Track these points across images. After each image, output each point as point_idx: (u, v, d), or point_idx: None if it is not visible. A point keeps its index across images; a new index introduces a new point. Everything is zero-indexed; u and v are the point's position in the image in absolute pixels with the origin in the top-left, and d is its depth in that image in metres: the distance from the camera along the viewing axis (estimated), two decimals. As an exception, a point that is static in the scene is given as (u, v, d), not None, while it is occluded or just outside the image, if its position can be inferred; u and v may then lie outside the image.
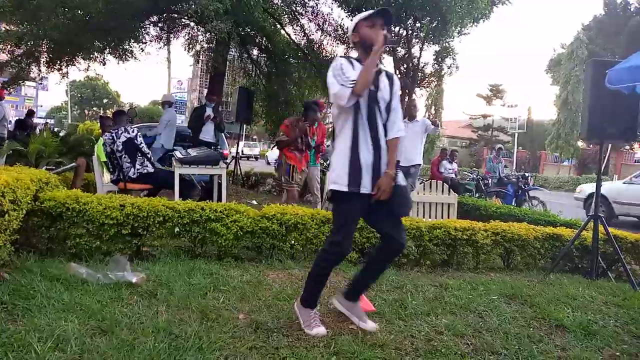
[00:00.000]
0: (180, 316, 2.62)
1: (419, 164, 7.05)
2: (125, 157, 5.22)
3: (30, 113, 13.41)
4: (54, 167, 5.90)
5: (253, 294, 3.08)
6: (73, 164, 5.62)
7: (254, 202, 7.63)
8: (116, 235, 3.64)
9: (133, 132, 5.31)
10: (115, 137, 5.18)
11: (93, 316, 2.48)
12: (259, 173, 10.09)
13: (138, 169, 5.27)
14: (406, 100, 9.04)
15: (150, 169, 5.39)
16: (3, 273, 2.89)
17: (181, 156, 5.70)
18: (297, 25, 10.66)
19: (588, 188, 10.91)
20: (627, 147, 26.56)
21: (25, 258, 3.28)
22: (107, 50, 8.90)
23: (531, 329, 2.91)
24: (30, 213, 3.45)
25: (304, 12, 10.34)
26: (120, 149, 5.18)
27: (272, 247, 3.98)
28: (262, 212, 4.03)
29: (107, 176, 5.72)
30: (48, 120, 37.33)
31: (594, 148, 26.00)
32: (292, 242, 3.98)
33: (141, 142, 5.34)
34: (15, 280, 2.84)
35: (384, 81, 2.65)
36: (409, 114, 6.92)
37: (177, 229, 3.75)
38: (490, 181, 10.96)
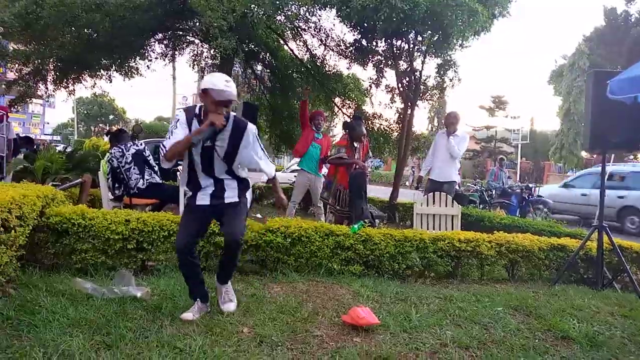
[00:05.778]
0: (185, 330, 2.63)
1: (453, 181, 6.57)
2: (134, 169, 5.38)
3: None
4: (60, 183, 5.96)
5: (257, 308, 3.08)
6: (79, 180, 5.68)
7: (258, 215, 7.66)
8: (121, 250, 3.67)
9: (141, 144, 5.62)
10: (124, 150, 5.40)
11: (98, 331, 2.50)
12: (264, 187, 10.13)
13: (147, 179, 5.46)
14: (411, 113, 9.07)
15: (158, 180, 5.61)
16: (9, 289, 2.92)
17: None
18: (300, 41, 10.76)
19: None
20: (631, 156, 26.46)
21: (31, 274, 3.31)
22: (113, 67, 9.03)
23: (536, 341, 2.90)
24: (36, 229, 3.49)
25: (306, 27, 10.44)
26: (129, 160, 5.37)
27: (277, 260, 3.99)
28: (266, 226, 4.05)
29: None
30: (54, 137, 37.37)
31: (597, 158, 25.91)
32: (296, 255, 4.00)
33: (149, 155, 5.61)
34: (21, 296, 2.87)
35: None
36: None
37: (181, 243, 3.77)
38: (494, 192, 10.96)
